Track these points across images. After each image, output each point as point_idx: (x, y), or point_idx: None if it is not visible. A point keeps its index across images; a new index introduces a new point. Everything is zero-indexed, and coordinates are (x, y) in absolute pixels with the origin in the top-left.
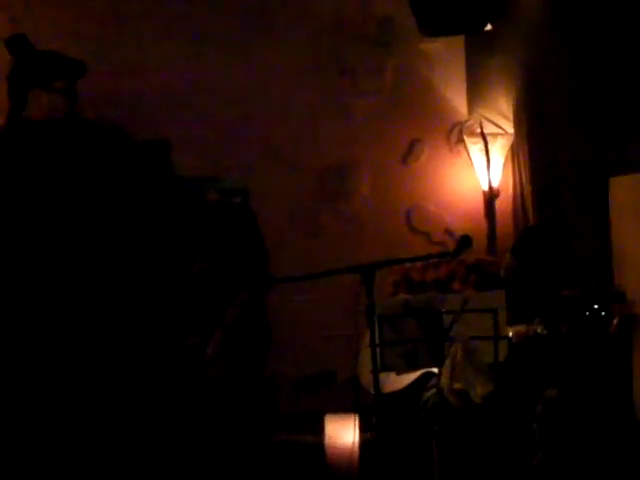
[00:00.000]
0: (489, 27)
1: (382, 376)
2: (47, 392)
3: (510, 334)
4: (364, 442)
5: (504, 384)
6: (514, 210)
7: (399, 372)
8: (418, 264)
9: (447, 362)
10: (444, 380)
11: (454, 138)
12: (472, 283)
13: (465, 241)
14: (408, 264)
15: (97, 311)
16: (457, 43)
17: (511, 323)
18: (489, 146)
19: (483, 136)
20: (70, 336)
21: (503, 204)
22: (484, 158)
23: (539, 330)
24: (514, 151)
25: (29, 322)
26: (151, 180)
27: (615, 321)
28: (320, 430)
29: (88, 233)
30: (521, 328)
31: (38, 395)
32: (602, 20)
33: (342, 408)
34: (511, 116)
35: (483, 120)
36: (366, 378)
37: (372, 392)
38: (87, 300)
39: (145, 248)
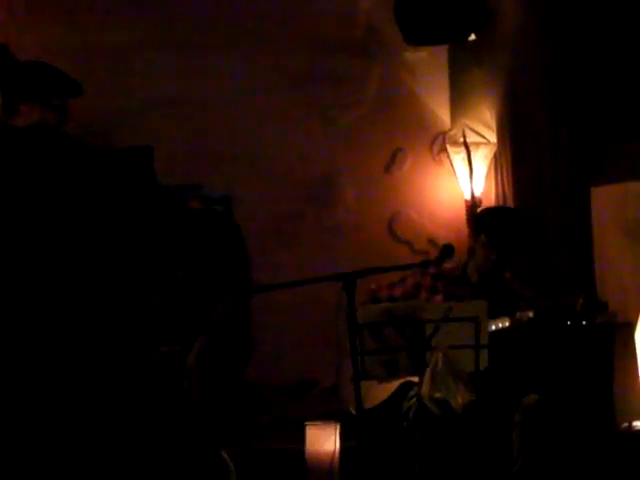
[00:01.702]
0: (473, 37)
1: (362, 392)
2: (21, 402)
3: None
4: (345, 450)
5: (484, 392)
6: None
7: (380, 380)
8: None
9: (427, 371)
10: (425, 389)
11: (437, 147)
12: (441, 290)
13: (447, 250)
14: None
15: (73, 318)
16: (441, 53)
17: None
18: (472, 155)
19: (466, 145)
20: (44, 344)
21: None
22: (467, 167)
23: (502, 324)
24: (497, 160)
25: None
26: (133, 187)
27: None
28: (301, 438)
29: (66, 240)
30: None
31: (11, 406)
32: (584, 32)
33: (323, 416)
34: (494, 126)
35: (466, 129)
36: (348, 393)
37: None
38: (64, 307)
39: (125, 256)
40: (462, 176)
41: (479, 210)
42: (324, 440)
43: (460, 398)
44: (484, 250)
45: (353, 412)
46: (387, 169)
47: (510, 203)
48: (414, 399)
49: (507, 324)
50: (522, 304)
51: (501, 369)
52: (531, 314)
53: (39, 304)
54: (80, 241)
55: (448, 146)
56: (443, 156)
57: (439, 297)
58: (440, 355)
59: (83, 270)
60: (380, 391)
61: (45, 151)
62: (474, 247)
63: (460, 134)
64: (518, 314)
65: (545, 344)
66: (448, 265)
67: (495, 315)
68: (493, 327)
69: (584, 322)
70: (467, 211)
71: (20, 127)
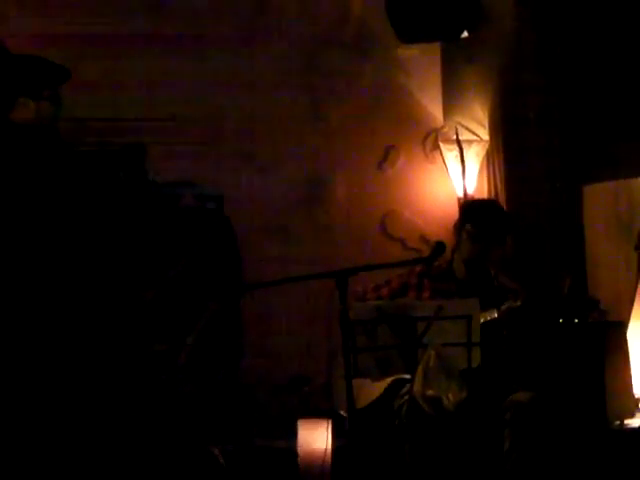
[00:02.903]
0: (465, 34)
1: (354, 390)
2: (11, 404)
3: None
4: (337, 448)
5: (476, 389)
6: None
7: (372, 378)
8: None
9: (419, 369)
10: (417, 387)
11: (429, 145)
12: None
13: (439, 247)
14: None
15: (63, 316)
16: (433, 50)
17: None
18: (464, 153)
19: (458, 143)
20: (35, 341)
21: None
22: (459, 165)
23: (490, 316)
24: (489, 158)
25: None
26: (124, 184)
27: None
28: (293, 435)
29: (56, 239)
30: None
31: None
32: (578, 30)
33: (315, 413)
34: (486, 123)
35: (459, 127)
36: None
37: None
38: (54, 305)
39: (117, 254)
40: (455, 174)
41: (463, 202)
42: (316, 437)
43: (452, 396)
44: (469, 239)
45: (343, 414)
46: (379, 166)
47: (502, 200)
48: (406, 397)
49: (495, 315)
50: (509, 297)
51: (492, 365)
52: (519, 303)
53: (27, 303)
54: (71, 239)
55: (441, 144)
56: (436, 154)
57: (426, 293)
58: (432, 353)
59: (74, 269)
60: (372, 389)
61: (35, 150)
62: (459, 240)
63: (453, 132)
64: (506, 304)
65: (536, 341)
66: (435, 262)
67: (482, 308)
68: (482, 320)
69: (576, 320)
70: (459, 209)
71: (13, 124)
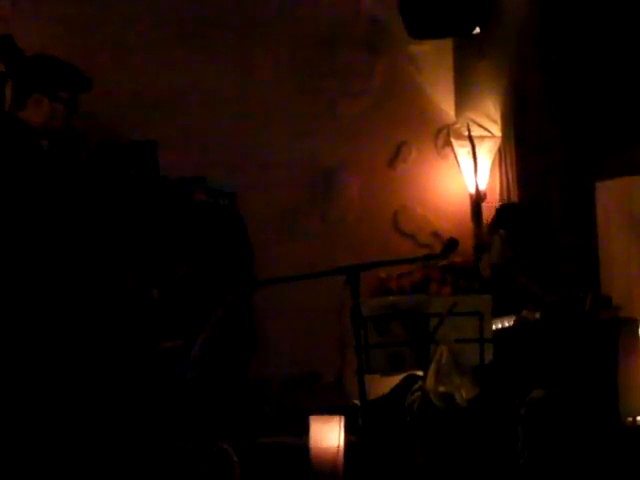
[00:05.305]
0: (477, 30)
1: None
2: (23, 402)
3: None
4: (349, 444)
5: (489, 386)
6: None
7: (384, 374)
8: (394, 273)
9: (432, 365)
10: (429, 383)
11: (441, 141)
12: (449, 283)
13: (452, 244)
14: (383, 274)
15: (75, 312)
16: (445, 46)
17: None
18: (476, 149)
19: (470, 139)
20: (47, 340)
21: (490, 207)
22: (471, 161)
23: (508, 322)
24: (501, 154)
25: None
26: (138, 181)
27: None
28: (305, 432)
29: (70, 234)
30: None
31: (15, 405)
32: (588, 26)
33: (327, 409)
34: (499, 119)
35: (471, 123)
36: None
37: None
38: (70, 302)
39: (130, 249)
40: (466, 170)
41: (499, 205)
42: (328, 433)
43: (465, 392)
44: (501, 246)
45: (358, 403)
46: (391, 163)
47: (514, 197)
48: (418, 393)
49: (512, 322)
50: (530, 302)
51: (506, 363)
52: (538, 315)
53: (40, 301)
54: (80, 236)
55: (452, 140)
56: (447, 150)
57: (448, 289)
58: (445, 349)
59: (86, 265)
60: (384, 384)
61: (48, 147)
62: (490, 242)
63: (465, 128)
64: (524, 312)
65: (550, 339)
66: (458, 258)
67: (503, 312)
68: (500, 325)
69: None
70: (471, 205)
71: (23, 124)
